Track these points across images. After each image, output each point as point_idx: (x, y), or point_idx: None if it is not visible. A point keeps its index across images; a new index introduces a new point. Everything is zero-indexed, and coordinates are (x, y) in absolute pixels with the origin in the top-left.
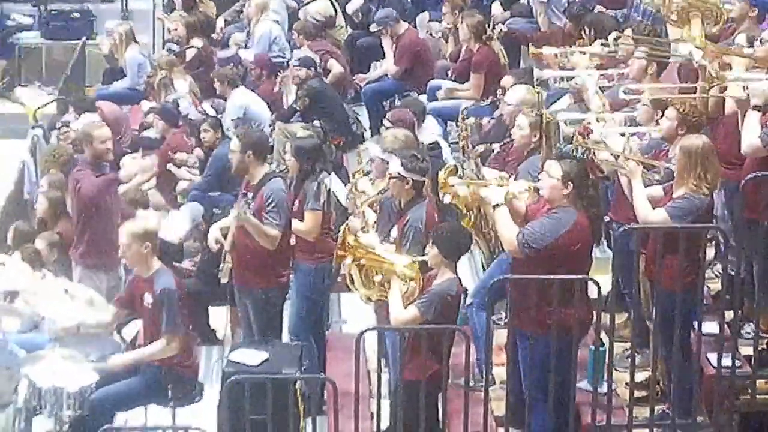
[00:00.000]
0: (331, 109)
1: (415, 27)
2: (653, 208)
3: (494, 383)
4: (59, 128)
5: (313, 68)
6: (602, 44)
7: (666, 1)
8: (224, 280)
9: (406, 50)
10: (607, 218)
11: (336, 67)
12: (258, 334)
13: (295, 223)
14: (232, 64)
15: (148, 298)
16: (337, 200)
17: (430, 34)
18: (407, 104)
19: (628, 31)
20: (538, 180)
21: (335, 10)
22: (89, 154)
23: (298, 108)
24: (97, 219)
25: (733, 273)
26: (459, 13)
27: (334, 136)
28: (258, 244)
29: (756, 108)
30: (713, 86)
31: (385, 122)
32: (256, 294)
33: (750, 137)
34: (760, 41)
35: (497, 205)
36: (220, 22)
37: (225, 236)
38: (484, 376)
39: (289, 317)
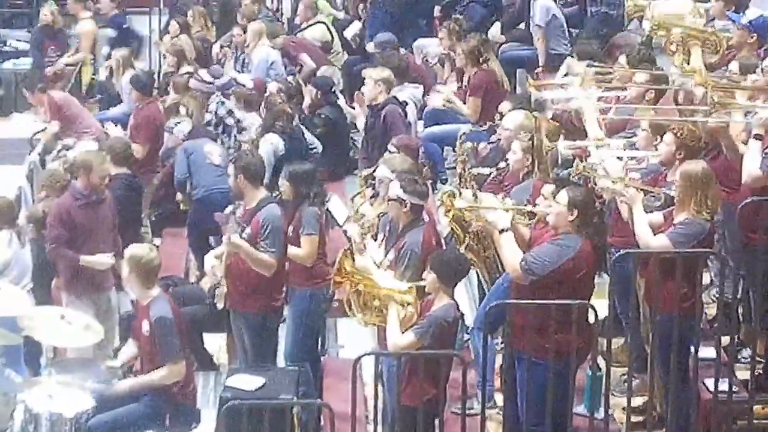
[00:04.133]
0: (341, 138)
1: (411, 53)
2: (654, 234)
3: (495, 407)
4: (58, 151)
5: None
6: (589, 65)
7: (666, 32)
8: (220, 305)
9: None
10: None
11: (308, 62)
12: (252, 359)
13: (292, 249)
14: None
15: (145, 325)
16: (336, 222)
17: (426, 60)
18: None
19: (623, 58)
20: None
21: (332, 36)
22: (84, 184)
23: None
24: (72, 246)
25: (729, 298)
26: (455, 38)
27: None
28: (251, 268)
29: (757, 137)
30: (714, 112)
31: (390, 147)
32: (250, 318)
33: (751, 166)
34: (762, 70)
35: (503, 230)
36: (215, 48)
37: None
38: (481, 400)
39: (286, 342)
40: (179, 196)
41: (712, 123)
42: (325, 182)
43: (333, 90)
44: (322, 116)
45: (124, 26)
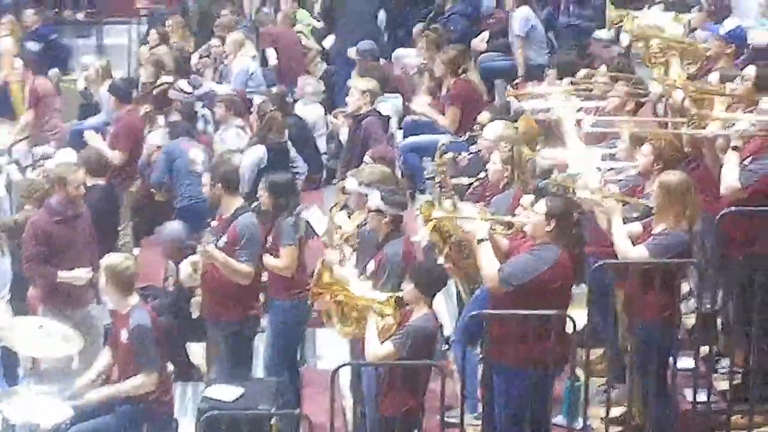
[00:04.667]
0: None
1: (391, 62)
2: (633, 245)
3: (480, 417)
4: (36, 161)
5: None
6: (571, 82)
7: (645, 43)
8: (195, 314)
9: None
10: None
11: (272, 59)
12: (228, 368)
13: (271, 260)
14: (206, 101)
15: (123, 334)
16: (315, 232)
17: (405, 70)
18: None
19: (603, 68)
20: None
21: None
22: (59, 198)
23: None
24: (50, 262)
25: (708, 308)
26: (434, 48)
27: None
28: (227, 277)
29: (735, 149)
30: (693, 123)
31: (366, 158)
32: (226, 327)
33: (729, 179)
34: (741, 78)
35: (481, 239)
36: (194, 58)
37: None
38: (460, 410)
39: (265, 353)
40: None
41: (690, 134)
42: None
43: (287, 101)
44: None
45: (52, 38)
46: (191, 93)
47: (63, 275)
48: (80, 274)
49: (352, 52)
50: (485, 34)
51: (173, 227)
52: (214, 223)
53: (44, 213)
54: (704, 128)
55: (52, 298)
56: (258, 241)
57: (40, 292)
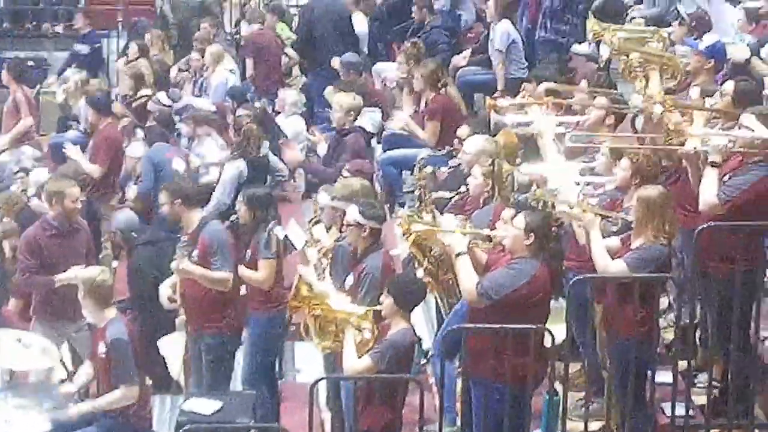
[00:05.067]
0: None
1: (371, 76)
2: (611, 259)
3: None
4: (16, 173)
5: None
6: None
7: (626, 57)
8: (182, 334)
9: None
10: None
11: (249, 69)
12: (209, 380)
13: (250, 272)
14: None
15: (101, 348)
16: (294, 246)
17: (384, 84)
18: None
19: (584, 83)
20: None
21: (289, 58)
22: (56, 213)
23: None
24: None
25: (686, 323)
26: (414, 62)
27: None
28: (206, 289)
29: (713, 164)
30: (670, 139)
31: (344, 172)
32: (209, 339)
33: (707, 194)
34: (720, 93)
35: (459, 253)
36: (173, 71)
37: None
38: (438, 424)
39: (243, 366)
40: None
41: (668, 150)
42: None
43: (247, 99)
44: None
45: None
46: (170, 105)
47: (60, 277)
48: (76, 272)
49: (335, 63)
50: (467, 52)
51: (125, 215)
52: (184, 238)
53: (38, 227)
54: (683, 144)
55: (46, 311)
56: (228, 246)
57: (37, 304)
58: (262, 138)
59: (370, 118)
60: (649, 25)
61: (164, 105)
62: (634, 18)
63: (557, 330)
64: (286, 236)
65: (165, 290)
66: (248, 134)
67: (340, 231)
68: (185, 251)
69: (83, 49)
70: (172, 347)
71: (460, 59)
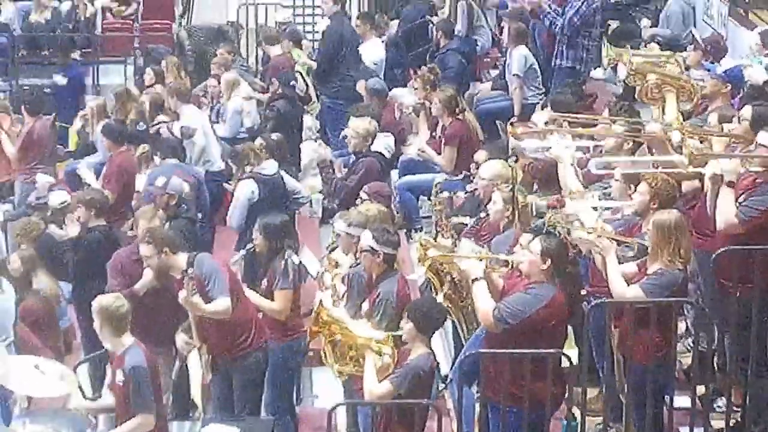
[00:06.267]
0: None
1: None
2: (628, 284)
3: None
4: (38, 199)
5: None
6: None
7: (642, 79)
8: (208, 376)
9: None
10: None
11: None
12: (242, 404)
13: (266, 303)
14: None
15: (119, 375)
16: (309, 273)
17: (401, 110)
18: None
19: (606, 112)
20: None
21: (307, 85)
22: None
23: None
24: None
25: (704, 347)
26: (430, 88)
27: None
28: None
29: (730, 184)
30: (693, 162)
31: (362, 194)
32: (241, 362)
33: (726, 214)
34: (738, 119)
35: (476, 279)
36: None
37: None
38: None
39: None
40: None
41: (688, 173)
42: None
43: (292, 84)
44: (275, 108)
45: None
46: (180, 138)
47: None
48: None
49: (360, 88)
50: (488, 84)
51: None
52: (190, 271)
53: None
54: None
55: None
56: (221, 272)
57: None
58: (261, 156)
59: (383, 144)
60: (663, 49)
61: (173, 135)
62: (649, 42)
63: (575, 355)
64: (300, 262)
65: (180, 337)
66: (246, 156)
67: (356, 257)
68: (192, 288)
69: (61, 80)
70: (194, 373)
71: (486, 88)
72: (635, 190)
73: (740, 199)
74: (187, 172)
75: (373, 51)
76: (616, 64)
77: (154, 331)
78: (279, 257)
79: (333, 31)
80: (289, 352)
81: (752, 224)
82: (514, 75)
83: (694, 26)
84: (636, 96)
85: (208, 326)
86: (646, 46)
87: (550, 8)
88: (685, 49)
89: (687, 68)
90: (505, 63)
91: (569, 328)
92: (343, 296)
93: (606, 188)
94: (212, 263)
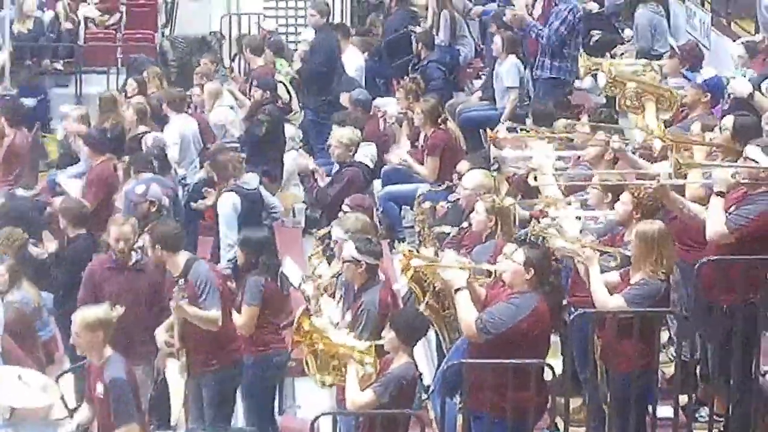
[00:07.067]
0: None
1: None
2: (611, 294)
3: None
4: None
5: (269, 91)
6: (550, 132)
7: (621, 88)
8: (183, 378)
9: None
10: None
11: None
12: (210, 418)
13: (235, 317)
14: None
15: (99, 388)
16: (291, 284)
17: (385, 120)
18: None
19: (585, 118)
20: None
21: (290, 95)
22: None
23: (257, 133)
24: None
25: (687, 357)
26: (413, 98)
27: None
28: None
29: (719, 194)
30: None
31: (344, 207)
32: (211, 377)
33: (715, 223)
34: (720, 129)
35: (459, 288)
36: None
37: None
38: None
39: (243, 404)
40: None
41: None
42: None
43: (275, 89)
44: (266, 111)
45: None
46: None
47: None
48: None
49: (344, 100)
50: (478, 94)
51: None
52: (181, 282)
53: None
54: (684, 177)
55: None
56: (215, 284)
57: None
58: (241, 168)
59: (366, 153)
60: (639, 58)
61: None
62: (623, 54)
63: (557, 364)
64: (282, 273)
65: (161, 335)
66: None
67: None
68: (183, 293)
69: (29, 102)
70: (173, 384)
71: (474, 99)
72: (612, 198)
73: (729, 211)
74: (164, 185)
75: (352, 59)
76: (596, 74)
77: (134, 343)
78: (253, 272)
79: (322, 45)
80: (264, 364)
81: (741, 233)
82: (509, 87)
83: (673, 37)
84: (616, 105)
85: (191, 332)
86: (622, 56)
87: (534, 18)
88: (661, 57)
89: (665, 76)
90: (490, 73)
91: (554, 337)
92: (338, 301)
93: (583, 196)
94: (208, 273)
